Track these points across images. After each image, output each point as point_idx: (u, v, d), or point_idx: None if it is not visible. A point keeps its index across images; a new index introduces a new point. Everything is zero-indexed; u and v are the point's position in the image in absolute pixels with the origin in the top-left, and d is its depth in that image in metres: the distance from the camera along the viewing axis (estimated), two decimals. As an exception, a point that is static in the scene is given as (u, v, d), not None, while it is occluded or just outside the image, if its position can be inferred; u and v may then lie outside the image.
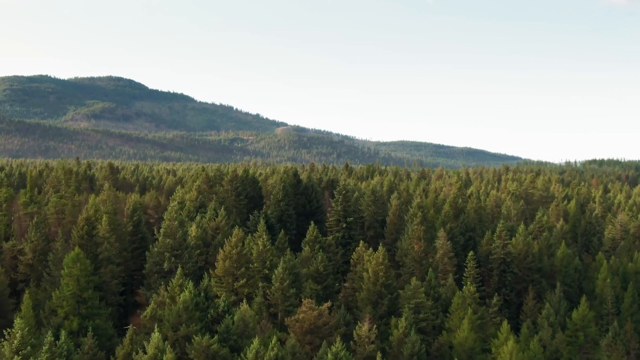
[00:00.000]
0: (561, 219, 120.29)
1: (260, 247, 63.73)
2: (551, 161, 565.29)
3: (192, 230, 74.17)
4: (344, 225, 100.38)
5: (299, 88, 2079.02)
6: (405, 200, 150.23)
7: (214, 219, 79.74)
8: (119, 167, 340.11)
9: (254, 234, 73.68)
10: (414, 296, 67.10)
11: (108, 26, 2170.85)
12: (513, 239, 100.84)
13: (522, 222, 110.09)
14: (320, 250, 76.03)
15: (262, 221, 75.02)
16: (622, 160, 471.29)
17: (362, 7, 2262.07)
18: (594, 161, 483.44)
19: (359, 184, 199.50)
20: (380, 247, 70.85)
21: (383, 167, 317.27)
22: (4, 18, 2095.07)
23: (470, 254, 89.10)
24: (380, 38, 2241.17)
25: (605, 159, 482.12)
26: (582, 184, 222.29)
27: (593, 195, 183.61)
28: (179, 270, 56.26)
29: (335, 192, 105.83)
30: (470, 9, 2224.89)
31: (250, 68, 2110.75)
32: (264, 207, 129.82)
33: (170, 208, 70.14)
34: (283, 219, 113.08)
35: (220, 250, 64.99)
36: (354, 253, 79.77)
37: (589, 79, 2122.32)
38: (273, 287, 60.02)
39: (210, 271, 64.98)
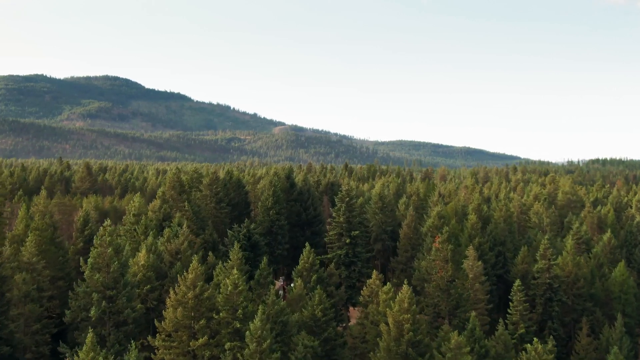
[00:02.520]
0: (609, 231, 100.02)
1: (230, 288, 43.58)
2: (551, 161, 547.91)
3: (141, 256, 53.96)
4: (348, 241, 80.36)
5: (296, 88, 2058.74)
6: (416, 205, 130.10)
7: (175, 239, 59.52)
8: (106, 167, 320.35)
9: (226, 263, 53.59)
10: (456, 359, 46.99)
11: (105, 26, 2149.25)
12: (559, 257, 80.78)
13: (569, 236, 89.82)
14: (318, 285, 55.97)
15: (236, 246, 54.53)
16: (626, 160, 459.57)
17: (360, 7, 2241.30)
18: (597, 161, 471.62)
19: (361, 185, 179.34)
20: (405, 287, 50.75)
21: (384, 167, 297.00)
22: (1, 17, 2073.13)
23: (516, 284, 68.93)
24: (379, 38, 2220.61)
25: (608, 158, 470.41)
26: (607, 185, 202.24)
27: (624, 199, 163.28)
28: (90, 336, 36.06)
29: (336, 199, 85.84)
30: (468, 8, 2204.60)
31: (247, 67, 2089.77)
32: (252, 215, 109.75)
33: (102, 229, 49.21)
34: (273, 230, 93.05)
35: (171, 293, 44.90)
36: (364, 288, 59.35)
37: (588, 78, 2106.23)
38: (248, 349, 40.22)
39: (157, 324, 44.81)
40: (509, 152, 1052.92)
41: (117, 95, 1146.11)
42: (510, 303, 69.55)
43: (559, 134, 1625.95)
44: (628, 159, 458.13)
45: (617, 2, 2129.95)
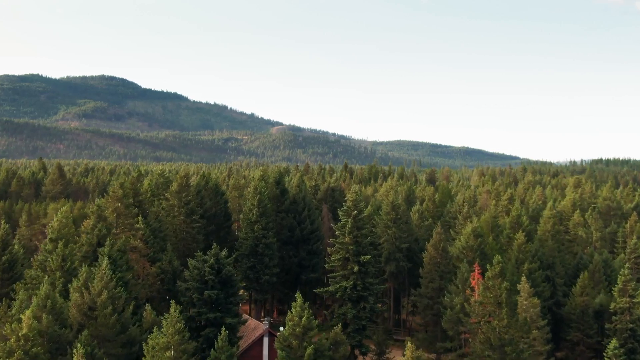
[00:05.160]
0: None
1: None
2: (552, 160, 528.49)
3: (24, 319, 32.77)
4: (356, 269, 59.94)
5: (294, 88, 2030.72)
6: (432, 214, 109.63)
7: (90, 283, 38.38)
8: (93, 168, 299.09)
9: (160, 330, 32.80)
10: None
11: (101, 25, 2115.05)
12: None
13: (624, 255, 69.21)
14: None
15: (174, 310, 32.92)
16: (630, 160, 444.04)
17: (358, 7, 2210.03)
18: (600, 161, 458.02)
19: (363, 188, 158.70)
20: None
21: (386, 168, 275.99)
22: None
23: (612, 347, 48.47)
24: (377, 38, 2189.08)
25: (612, 158, 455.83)
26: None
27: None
28: None
29: (340, 213, 65.26)
30: (466, 8, 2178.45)
31: (245, 67, 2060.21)
32: (234, 230, 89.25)
33: None
34: (258, 251, 72.63)
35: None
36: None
37: (586, 78, 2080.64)
38: None
39: None
40: (507, 152, 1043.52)
41: (113, 95, 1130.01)
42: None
43: (557, 134, 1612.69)
44: (632, 159, 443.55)
45: (615, 2, 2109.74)
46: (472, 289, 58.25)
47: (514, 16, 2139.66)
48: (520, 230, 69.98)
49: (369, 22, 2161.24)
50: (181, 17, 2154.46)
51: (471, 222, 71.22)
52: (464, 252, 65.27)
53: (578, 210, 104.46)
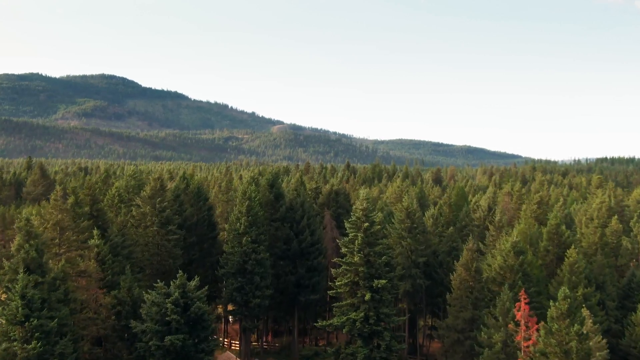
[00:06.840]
0: None
1: None
2: (554, 159, 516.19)
3: None
4: (368, 297, 47.11)
5: (295, 87, 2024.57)
6: (448, 220, 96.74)
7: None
8: (87, 167, 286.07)
9: None
10: None
11: (101, 25, 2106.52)
12: None
13: None
14: None
15: None
16: (635, 158, 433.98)
17: (358, 7, 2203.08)
18: (605, 159, 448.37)
19: (368, 189, 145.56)
20: None
21: (389, 167, 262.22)
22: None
23: None
24: (377, 38, 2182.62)
25: (616, 157, 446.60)
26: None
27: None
28: None
29: (348, 225, 52.28)
30: (466, 8, 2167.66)
31: (245, 67, 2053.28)
32: (221, 240, 76.09)
33: None
34: (247, 268, 59.86)
35: None
36: None
37: (586, 77, 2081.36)
38: None
39: None
40: (509, 151, 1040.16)
41: (113, 94, 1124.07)
42: None
43: (558, 133, 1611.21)
44: (636, 157, 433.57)
45: (615, 2, 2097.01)
46: (517, 324, 45.50)
47: (514, 16, 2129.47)
48: (572, 246, 56.85)
49: (369, 22, 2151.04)
50: (181, 17, 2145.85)
51: (507, 234, 58.22)
52: (502, 272, 52.30)
53: (616, 216, 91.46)
